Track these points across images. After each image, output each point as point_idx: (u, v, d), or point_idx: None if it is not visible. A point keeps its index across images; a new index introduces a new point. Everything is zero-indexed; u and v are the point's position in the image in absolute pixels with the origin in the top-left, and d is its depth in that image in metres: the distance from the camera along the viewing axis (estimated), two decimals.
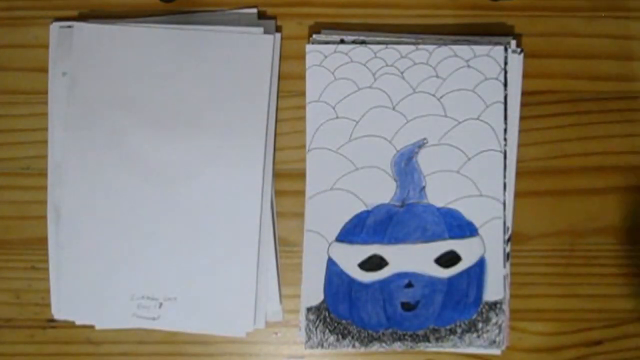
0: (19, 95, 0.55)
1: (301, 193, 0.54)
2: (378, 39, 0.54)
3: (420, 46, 0.53)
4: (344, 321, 0.53)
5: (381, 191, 0.53)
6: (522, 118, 0.54)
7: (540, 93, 0.55)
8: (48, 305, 0.54)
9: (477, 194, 0.53)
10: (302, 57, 0.53)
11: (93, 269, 0.53)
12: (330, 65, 0.53)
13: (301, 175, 0.54)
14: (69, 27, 0.54)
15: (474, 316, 0.53)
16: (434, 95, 0.53)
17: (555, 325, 0.55)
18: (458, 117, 0.53)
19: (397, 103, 0.53)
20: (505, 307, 0.53)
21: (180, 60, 0.54)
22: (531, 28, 0.55)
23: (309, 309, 0.53)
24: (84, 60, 0.54)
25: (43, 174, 0.55)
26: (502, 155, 0.53)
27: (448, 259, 0.53)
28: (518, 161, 0.54)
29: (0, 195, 0.55)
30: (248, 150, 0.53)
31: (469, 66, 0.53)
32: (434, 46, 0.53)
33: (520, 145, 0.54)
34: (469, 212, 0.53)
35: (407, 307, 0.53)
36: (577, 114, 0.55)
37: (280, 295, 0.54)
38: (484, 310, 0.53)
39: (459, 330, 0.53)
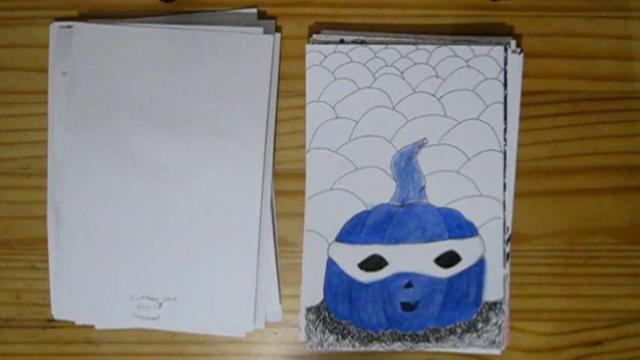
0: (19, 95, 0.55)
1: (301, 193, 0.54)
2: (378, 39, 0.54)
3: (420, 46, 0.53)
4: (344, 321, 0.53)
5: (381, 191, 0.53)
6: (522, 118, 0.54)
7: (540, 93, 0.55)
8: (48, 305, 0.54)
9: (477, 194, 0.53)
10: (302, 57, 0.53)
11: (93, 269, 0.53)
12: (330, 65, 0.53)
13: (301, 175, 0.54)
14: (69, 27, 0.54)
15: (474, 316, 0.53)
16: (434, 95, 0.53)
17: (555, 325, 0.55)
18: (458, 117, 0.53)
19: (397, 103, 0.53)
20: (505, 307, 0.53)
21: (180, 60, 0.54)
22: (531, 28, 0.55)
23: (309, 309, 0.53)
24: (84, 60, 0.54)
25: (43, 174, 0.55)
26: (502, 155, 0.53)
27: (448, 259, 0.53)
28: (518, 161, 0.54)
29: (0, 195, 0.55)
30: (248, 150, 0.53)
31: (468, 66, 0.53)
32: (434, 46, 0.53)
33: (520, 145, 0.54)
34: (469, 212, 0.53)
35: (407, 307, 0.53)
36: (577, 114, 0.55)
37: (280, 295, 0.55)
38: (484, 310, 0.53)
39: (459, 330, 0.53)
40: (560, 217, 0.55)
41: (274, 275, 0.54)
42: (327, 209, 0.53)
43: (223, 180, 0.53)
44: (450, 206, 0.53)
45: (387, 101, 0.53)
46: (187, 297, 0.53)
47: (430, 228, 0.53)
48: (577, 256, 0.55)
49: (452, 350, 0.54)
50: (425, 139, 0.53)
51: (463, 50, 0.53)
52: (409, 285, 0.53)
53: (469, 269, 0.53)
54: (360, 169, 0.53)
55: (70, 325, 0.54)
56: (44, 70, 0.55)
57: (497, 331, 0.53)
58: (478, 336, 0.53)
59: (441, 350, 0.54)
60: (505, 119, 0.53)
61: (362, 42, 0.53)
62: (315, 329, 0.53)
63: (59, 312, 0.54)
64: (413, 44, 0.53)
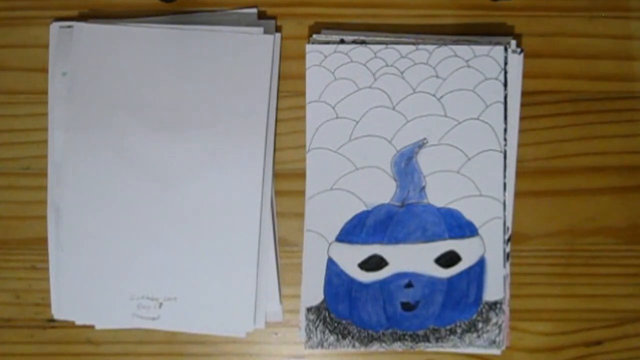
0: (19, 95, 0.55)
1: (301, 193, 0.54)
2: (378, 39, 0.54)
3: (420, 46, 0.53)
4: (344, 321, 0.53)
5: (381, 191, 0.53)
6: (522, 118, 0.54)
7: (540, 93, 0.55)
8: (48, 305, 0.54)
9: (477, 194, 0.53)
10: (302, 57, 0.53)
11: (93, 269, 0.53)
12: (330, 65, 0.53)
13: (301, 175, 0.54)
14: (69, 27, 0.54)
15: (474, 316, 0.53)
16: (434, 95, 0.53)
17: (555, 325, 0.55)
18: (458, 117, 0.53)
19: (397, 103, 0.53)
20: (505, 307, 0.53)
21: (180, 60, 0.54)
22: (531, 28, 0.55)
23: (309, 309, 0.53)
24: (84, 60, 0.54)
25: (43, 174, 0.55)
26: (502, 155, 0.53)
27: (448, 259, 0.53)
28: (518, 161, 0.54)
29: (0, 195, 0.55)
30: (248, 150, 0.53)
31: (469, 66, 0.53)
32: (434, 46, 0.53)
33: (520, 145, 0.54)
34: (469, 212, 0.53)
35: (407, 307, 0.53)
36: (577, 114, 0.55)
37: (280, 295, 0.55)
38: (484, 310, 0.53)
39: (459, 330, 0.53)
40: (560, 217, 0.55)
41: (274, 275, 0.54)
42: (327, 209, 0.53)
43: (223, 180, 0.53)
44: (451, 206, 0.53)
45: (387, 101, 0.53)
46: (187, 297, 0.53)
47: (430, 228, 0.53)
48: (577, 256, 0.55)
49: (452, 350, 0.54)
50: (425, 139, 0.53)
51: (463, 50, 0.53)
52: (409, 285, 0.53)
53: (469, 269, 0.53)
54: (360, 169, 0.53)
55: (70, 325, 0.54)
56: (44, 70, 0.55)
57: (497, 331, 0.53)
58: (478, 336, 0.53)
59: (441, 350, 0.54)
60: (505, 119, 0.53)
61: (362, 42, 0.53)
62: (316, 329, 0.53)
63: (59, 312, 0.54)
64: (413, 44, 0.53)
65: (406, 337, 0.53)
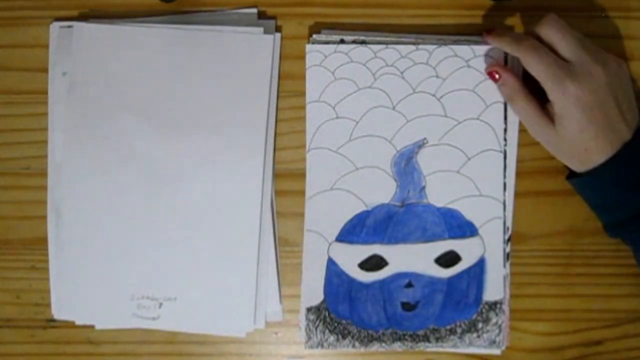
0: (19, 95, 0.55)
1: (301, 193, 0.54)
2: (378, 39, 0.54)
3: (420, 46, 0.53)
4: (344, 321, 0.53)
5: (381, 191, 0.53)
6: None
7: None
8: (48, 305, 0.54)
9: (477, 194, 0.53)
10: (302, 57, 0.53)
11: (93, 269, 0.53)
12: (330, 65, 0.53)
13: (301, 175, 0.54)
14: (69, 27, 0.54)
15: (474, 316, 0.53)
16: (434, 95, 0.53)
17: (555, 325, 0.55)
18: (458, 117, 0.53)
19: (397, 103, 0.53)
20: (505, 307, 0.53)
21: (180, 60, 0.54)
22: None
23: (309, 309, 0.53)
24: (84, 60, 0.54)
25: (43, 174, 0.55)
26: (502, 155, 0.53)
27: (448, 259, 0.53)
28: (518, 161, 0.54)
29: (0, 195, 0.55)
30: (248, 150, 0.53)
31: (469, 66, 0.53)
32: (434, 46, 0.53)
33: (520, 145, 0.54)
34: (469, 212, 0.53)
35: (407, 307, 0.53)
36: None
37: (280, 295, 0.54)
38: (484, 310, 0.53)
39: (459, 330, 0.53)
40: (560, 217, 0.55)
41: (274, 275, 0.54)
42: (327, 209, 0.53)
43: (223, 180, 0.53)
44: (450, 206, 0.53)
45: (387, 101, 0.53)
46: (187, 297, 0.53)
47: (430, 228, 0.53)
48: (577, 256, 0.55)
49: (452, 350, 0.54)
50: (425, 139, 0.53)
51: (463, 50, 0.53)
52: (409, 285, 0.53)
53: (469, 269, 0.53)
54: (360, 169, 0.53)
55: (70, 325, 0.54)
56: (44, 70, 0.55)
57: (497, 331, 0.53)
58: (478, 336, 0.53)
59: (441, 350, 0.54)
60: (505, 119, 0.53)
61: (362, 42, 0.53)
62: (316, 329, 0.53)
63: (59, 312, 0.54)
64: (413, 44, 0.53)
65: (406, 337, 0.53)
